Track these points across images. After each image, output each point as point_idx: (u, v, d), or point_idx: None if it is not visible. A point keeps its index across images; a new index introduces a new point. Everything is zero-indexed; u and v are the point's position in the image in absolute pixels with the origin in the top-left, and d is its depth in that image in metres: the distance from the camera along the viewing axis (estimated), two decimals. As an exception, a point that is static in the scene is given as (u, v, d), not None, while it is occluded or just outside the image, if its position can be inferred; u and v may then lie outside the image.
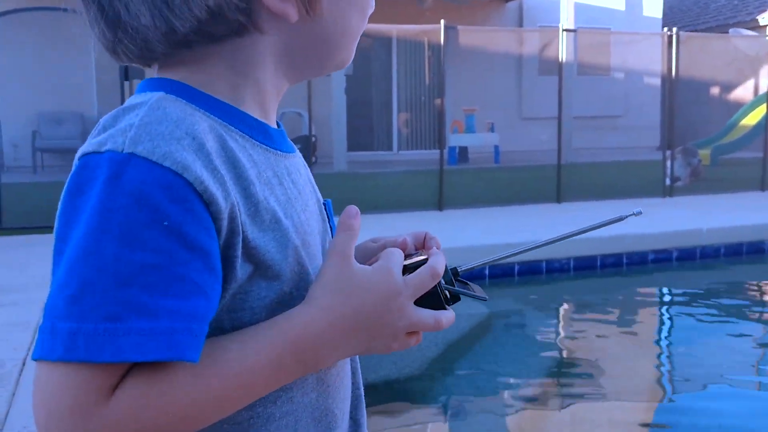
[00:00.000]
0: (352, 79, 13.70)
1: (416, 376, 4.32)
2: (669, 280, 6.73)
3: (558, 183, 9.28)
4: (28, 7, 9.13)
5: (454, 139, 13.49)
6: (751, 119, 13.50)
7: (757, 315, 5.93)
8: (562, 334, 5.47)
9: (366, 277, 0.68)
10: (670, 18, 18.23)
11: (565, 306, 6.19)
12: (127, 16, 0.67)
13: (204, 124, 0.66)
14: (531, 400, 4.13)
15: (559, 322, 5.81)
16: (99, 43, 0.70)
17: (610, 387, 4.23)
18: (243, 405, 0.66)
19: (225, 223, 0.63)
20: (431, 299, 0.72)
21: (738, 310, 5.93)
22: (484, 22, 14.98)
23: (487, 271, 5.96)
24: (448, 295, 0.74)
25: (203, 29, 0.68)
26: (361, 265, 0.70)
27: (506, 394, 4.21)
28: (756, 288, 6.78)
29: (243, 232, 0.65)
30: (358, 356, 0.81)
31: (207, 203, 0.61)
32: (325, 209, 0.83)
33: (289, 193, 0.73)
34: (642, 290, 6.54)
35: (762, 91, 14.75)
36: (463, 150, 13.87)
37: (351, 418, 0.83)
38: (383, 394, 4.01)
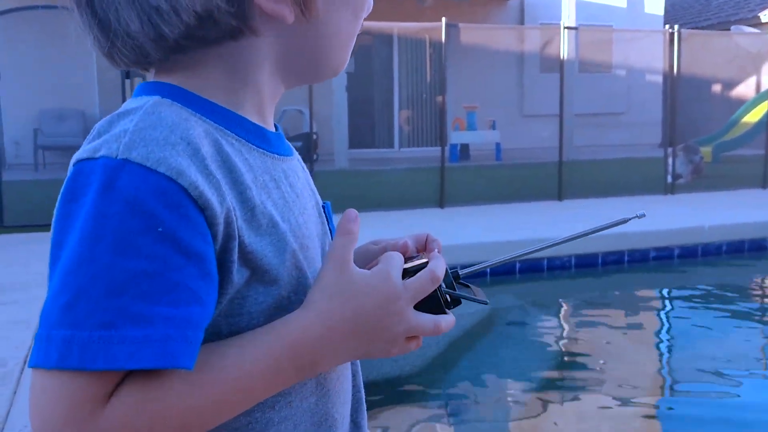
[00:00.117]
0: (353, 76, 13.69)
1: (416, 374, 4.31)
2: (670, 277, 6.72)
3: (559, 180, 9.27)
4: (30, 6, 9.12)
5: (456, 137, 13.48)
6: (753, 116, 13.48)
7: (759, 312, 5.92)
8: (564, 331, 5.47)
9: (365, 281, 0.68)
10: (671, 15, 18.20)
11: (567, 304, 6.18)
12: (117, 24, 0.67)
13: (199, 129, 0.65)
14: (533, 397, 4.13)
15: (560, 319, 5.81)
16: (95, 49, 0.70)
17: (612, 384, 4.22)
18: (241, 410, 0.65)
19: (221, 228, 0.62)
20: (431, 303, 0.71)
21: (740, 308, 5.92)
22: (485, 19, 14.96)
23: (488, 269, 5.95)
24: (449, 299, 0.74)
25: (194, 34, 0.67)
26: (360, 270, 0.69)
27: (508, 391, 4.20)
28: (758, 286, 6.77)
29: (239, 236, 0.64)
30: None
31: (202, 208, 0.61)
32: (324, 211, 0.82)
33: (286, 197, 0.72)
34: (643, 288, 6.53)
35: (764, 88, 14.75)
36: (465, 147, 13.87)
37: (352, 421, 0.82)
38: (383, 391, 4.00)
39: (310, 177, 0.84)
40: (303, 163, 0.84)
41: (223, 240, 0.63)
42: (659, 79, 13.65)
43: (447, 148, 10.36)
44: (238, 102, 0.71)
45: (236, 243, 0.64)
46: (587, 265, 6.53)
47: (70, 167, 0.63)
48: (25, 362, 3.40)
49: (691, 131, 13.19)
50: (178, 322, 0.58)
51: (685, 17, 18.66)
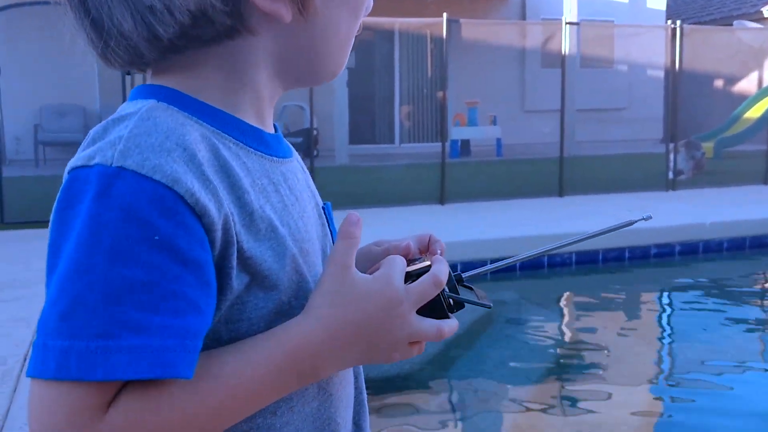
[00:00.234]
0: (354, 72, 13.68)
1: (417, 372, 4.31)
2: (672, 274, 6.72)
3: (560, 176, 9.27)
4: (30, 1, 9.10)
5: (457, 132, 13.46)
6: (755, 112, 13.46)
7: (761, 309, 5.91)
8: (565, 328, 5.46)
9: (366, 286, 0.67)
10: (673, 10, 18.16)
11: (568, 300, 6.18)
12: (110, 23, 0.65)
13: (195, 133, 0.64)
14: (534, 392, 4.13)
15: (561, 316, 5.80)
16: (89, 49, 0.69)
17: (613, 381, 4.22)
18: (242, 417, 0.65)
19: (219, 235, 0.62)
20: (434, 307, 0.71)
21: (741, 305, 5.92)
22: (486, 14, 14.94)
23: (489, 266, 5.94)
24: (452, 303, 0.73)
25: (189, 33, 0.66)
26: (362, 274, 0.68)
27: (509, 388, 4.20)
28: (759, 282, 6.76)
29: (238, 242, 0.63)
30: (359, 363, 0.79)
31: (199, 215, 0.60)
32: (325, 213, 0.81)
33: (285, 200, 0.71)
34: (644, 285, 6.53)
35: (766, 83, 14.72)
36: (465, 143, 13.85)
37: (354, 423, 0.82)
38: (383, 391, 4.00)
39: (309, 178, 0.83)
40: (303, 164, 0.83)
41: (222, 246, 0.62)
42: (661, 74, 13.61)
43: (448, 144, 10.35)
44: (237, 103, 0.70)
45: (235, 249, 0.63)
46: (588, 261, 6.52)
47: (65, 175, 0.62)
48: (25, 360, 3.40)
49: (693, 127, 13.15)
50: (176, 332, 0.58)
51: (688, 12, 18.63)
